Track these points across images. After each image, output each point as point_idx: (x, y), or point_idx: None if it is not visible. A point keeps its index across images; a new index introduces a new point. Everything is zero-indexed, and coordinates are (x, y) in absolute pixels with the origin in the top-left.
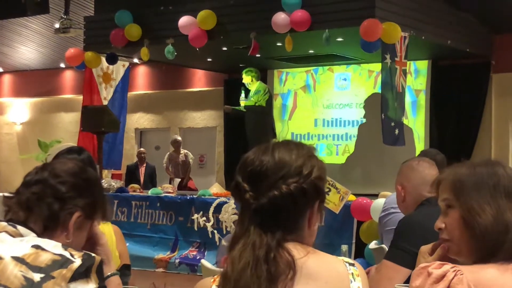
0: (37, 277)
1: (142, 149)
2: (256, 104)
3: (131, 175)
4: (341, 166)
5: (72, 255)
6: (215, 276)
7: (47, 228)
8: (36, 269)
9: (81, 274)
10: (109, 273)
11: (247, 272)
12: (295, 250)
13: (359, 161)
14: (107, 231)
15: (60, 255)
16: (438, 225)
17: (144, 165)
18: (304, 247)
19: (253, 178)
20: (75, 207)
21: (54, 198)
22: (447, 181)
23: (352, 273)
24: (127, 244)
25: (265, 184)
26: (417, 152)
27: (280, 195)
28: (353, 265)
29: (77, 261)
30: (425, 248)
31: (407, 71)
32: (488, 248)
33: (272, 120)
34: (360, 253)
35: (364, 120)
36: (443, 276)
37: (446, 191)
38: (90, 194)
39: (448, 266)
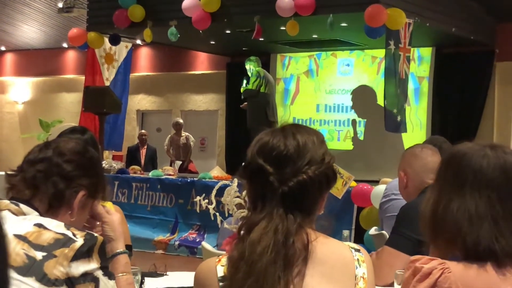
0: (39, 255)
1: (143, 131)
2: (248, 87)
3: (132, 156)
4: (344, 152)
5: (74, 235)
6: (220, 257)
7: (52, 206)
8: (38, 247)
9: (83, 253)
10: (117, 251)
11: (265, 257)
12: (310, 234)
13: (360, 148)
14: None
15: (63, 234)
16: None
17: (145, 147)
18: (315, 232)
19: (279, 161)
20: (80, 186)
21: (60, 177)
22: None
23: (358, 259)
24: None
25: (291, 168)
26: (419, 140)
27: (308, 179)
28: (358, 251)
29: (79, 241)
30: None
31: (411, 57)
32: (447, 238)
33: (267, 105)
34: (359, 239)
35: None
36: (429, 274)
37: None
38: (94, 173)
39: (436, 262)
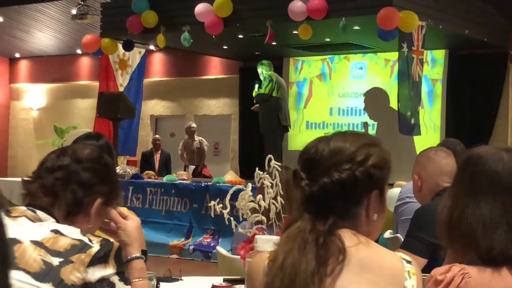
0: (56, 261)
1: (157, 136)
2: (260, 92)
3: (146, 162)
4: None
5: (90, 241)
6: (270, 253)
7: (70, 213)
8: (55, 253)
9: (99, 259)
10: (132, 256)
11: (295, 252)
12: (347, 237)
13: None
14: None
15: (79, 240)
16: None
17: (159, 152)
18: (357, 236)
19: (309, 166)
20: (97, 194)
21: (78, 184)
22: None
23: (409, 271)
24: None
25: (318, 171)
26: (433, 142)
27: (330, 182)
28: (410, 262)
29: (96, 246)
30: None
31: (424, 60)
32: (462, 243)
33: (279, 109)
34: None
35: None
36: (450, 282)
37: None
38: (110, 180)
39: (456, 269)
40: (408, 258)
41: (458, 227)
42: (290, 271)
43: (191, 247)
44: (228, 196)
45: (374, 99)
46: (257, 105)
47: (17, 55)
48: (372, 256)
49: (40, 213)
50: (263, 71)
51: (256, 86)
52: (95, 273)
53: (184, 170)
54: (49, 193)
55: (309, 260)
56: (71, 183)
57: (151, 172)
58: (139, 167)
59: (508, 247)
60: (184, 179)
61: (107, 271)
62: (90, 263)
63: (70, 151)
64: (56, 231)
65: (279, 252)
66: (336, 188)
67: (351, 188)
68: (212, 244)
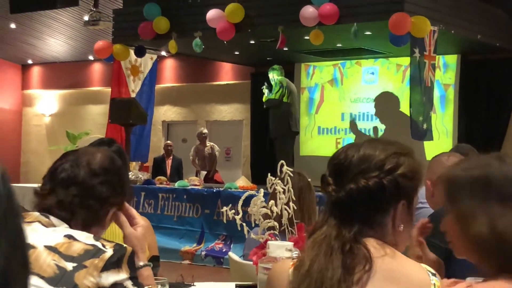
0: (69, 266)
1: (169, 142)
2: (271, 97)
3: (158, 167)
4: None
5: (103, 246)
6: (294, 261)
7: (86, 225)
8: (68, 258)
9: (113, 264)
10: (140, 264)
11: (321, 258)
12: (373, 246)
13: None
14: None
15: (92, 245)
16: (441, 227)
17: (171, 157)
18: (384, 246)
19: (337, 171)
20: (113, 204)
21: (95, 200)
22: (442, 183)
23: (434, 284)
24: None
25: (346, 177)
26: (446, 147)
27: (356, 188)
28: (435, 275)
29: (109, 251)
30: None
31: (436, 65)
32: (485, 256)
33: (290, 114)
34: None
35: (376, 117)
36: None
37: (442, 193)
38: (122, 188)
39: (462, 286)
40: (433, 271)
41: (504, 241)
42: (317, 278)
43: (203, 253)
44: (241, 202)
45: (384, 103)
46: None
47: (30, 61)
48: (399, 268)
49: (53, 219)
50: (274, 76)
51: (266, 91)
52: (109, 278)
53: (196, 176)
54: (66, 209)
55: (336, 267)
56: (89, 199)
57: (163, 178)
58: (151, 173)
59: None
60: (195, 185)
61: (121, 276)
62: (103, 268)
63: (84, 162)
64: (70, 236)
65: (305, 258)
66: (362, 195)
67: (378, 196)
68: (224, 250)
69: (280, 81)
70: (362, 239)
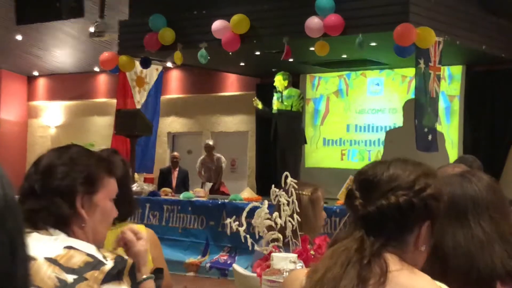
0: (70, 278)
1: (175, 153)
2: (293, 109)
3: (164, 179)
4: None
5: (104, 257)
6: (308, 270)
7: (61, 224)
8: (69, 270)
9: (113, 276)
10: (143, 277)
11: (336, 267)
12: (392, 261)
13: None
14: None
15: (93, 256)
16: None
17: (177, 169)
18: (402, 262)
19: (365, 187)
20: (74, 194)
21: (53, 195)
22: None
23: None
24: None
25: (375, 193)
26: (451, 158)
27: (387, 204)
28: None
29: (109, 263)
30: None
31: (441, 76)
32: (458, 271)
33: (303, 126)
34: None
35: (397, 125)
36: None
37: None
38: (81, 171)
39: None
40: (445, 286)
41: (454, 256)
42: (329, 285)
43: (208, 265)
44: (244, 214)
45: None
46: (256, 98)
47: (35, 73)
48: (411, 283)
49: (51, 230)
50: (285, 82)
51: (276, 97)
52: None
53: (201, 187)
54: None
55: (351, 277)
56: (47, 200)
57: (167, 189)
58: (157, 184)
59: (507, 261)
60: (200, 196)
61: None
62: (103, 280)
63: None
64: (70, 247)
65: (319, 266)
66: (392, 211)
67: (407, 214)
68: (228, 262)
69: (298, 93)
70: (383, 254)
